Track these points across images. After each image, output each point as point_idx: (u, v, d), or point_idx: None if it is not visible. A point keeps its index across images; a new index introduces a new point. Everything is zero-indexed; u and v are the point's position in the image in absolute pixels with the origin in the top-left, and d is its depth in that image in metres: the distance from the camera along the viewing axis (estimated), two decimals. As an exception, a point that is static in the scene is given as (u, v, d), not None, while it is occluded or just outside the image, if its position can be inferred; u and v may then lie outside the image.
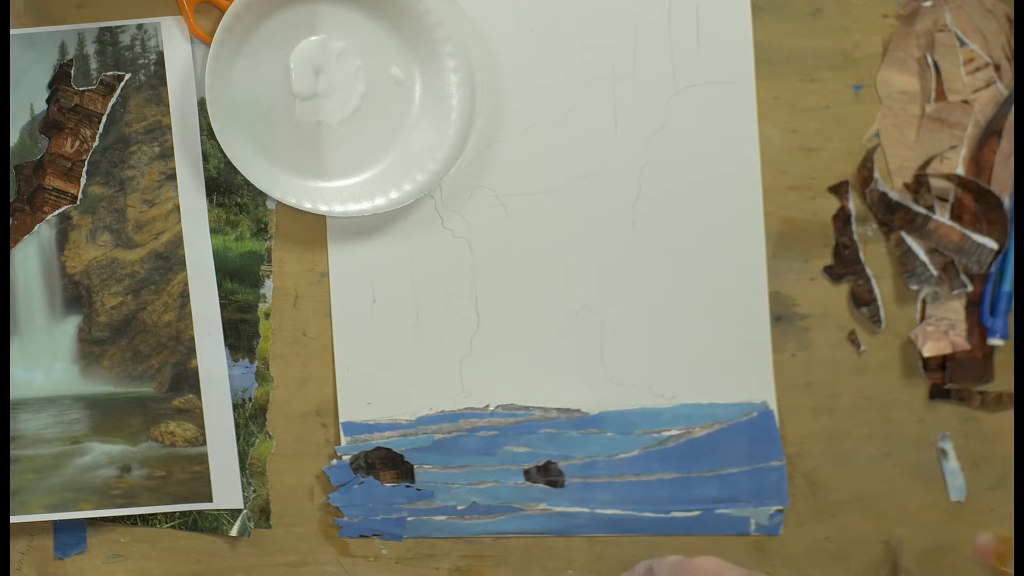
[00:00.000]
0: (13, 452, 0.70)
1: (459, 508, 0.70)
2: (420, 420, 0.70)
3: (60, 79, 0.68)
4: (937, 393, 0.70)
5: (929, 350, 0.69)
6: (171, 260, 0.69)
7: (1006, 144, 0.68)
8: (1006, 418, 0.70)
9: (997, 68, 0.69)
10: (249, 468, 0.70)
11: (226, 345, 0.69)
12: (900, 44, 0.69)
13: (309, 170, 0.68)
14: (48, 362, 0.69)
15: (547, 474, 0.70)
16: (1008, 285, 0.69)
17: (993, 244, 0.68)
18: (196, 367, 0.69)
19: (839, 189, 0.69)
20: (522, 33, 0.68)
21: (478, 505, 0.70)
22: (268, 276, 0.70)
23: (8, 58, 0.67)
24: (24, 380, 0.69)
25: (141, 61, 0.68)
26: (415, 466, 0.70)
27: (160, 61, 0.68)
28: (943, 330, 0.69)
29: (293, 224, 0.70)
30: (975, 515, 0.71)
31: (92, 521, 0.71)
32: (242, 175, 0.66)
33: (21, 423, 0.69)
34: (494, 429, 0.70)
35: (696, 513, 0.70)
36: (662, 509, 0.70)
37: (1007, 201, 0.68)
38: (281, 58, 0.67)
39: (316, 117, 0.68)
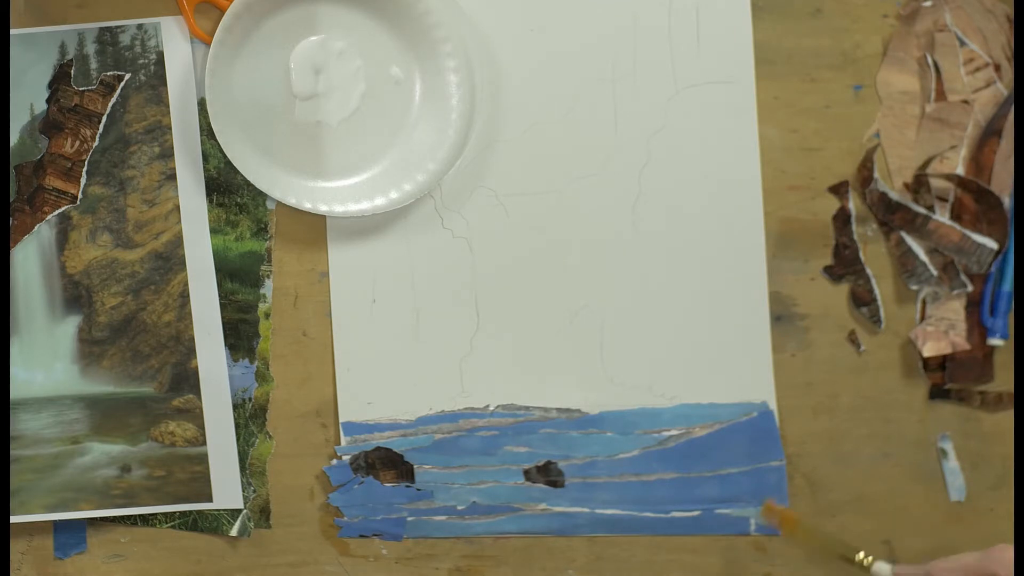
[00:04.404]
0: (13, 452, 0.69)
1: (459, 508, 0.70)
2: (420, 420, 0.70)
3: (60, 79, 0.68)
4: (937, 393, 0.70)
5: (929, 350, 0.69)
6: (171, 260, 0.69)
7: (1006, 144, 0.68)
8: (1006, 418, 0.70)
9: (997, 68, 0.69)
10: (249, 468, 0.70)
11: (226, 345, 0.69)
12: (900, 44, 0.69)
13: (309, 170, 0.68)
14: (48, 362, 0.69)
15: (547, 474, 0.70)
16: (1008, 285, 0.69)
17: (993, 244, 0.68)
18: (196, 367, 0.69)
19: (839, 189, 0.69)
20: (522, 33, 0.68)
21: (478, 505, 0.70)
22: (268, 276, 0.70)
23: (8, 58, 0.67)
24: (24, 380, 0.69)
25: (141, 61, 0.68)
26: (415, 466, 0.70)
27: (160, 61, 0.68)
28: (943, 330, 0.69)
29: (293, 224, 0.70)
30: (975, 515, 0.71)
31: (92, 521, 0.71)
32: (242, 175, 0.66)
33: (21, 423, 0.69)
34: (494, 429, 0.70)
35: (696, 513, 0.70)
36: (662, 509, 0.70)
37: (1007, 201, 0.68)
38: (281, 58, 0.67)
39: (316, 117, 0.68)
